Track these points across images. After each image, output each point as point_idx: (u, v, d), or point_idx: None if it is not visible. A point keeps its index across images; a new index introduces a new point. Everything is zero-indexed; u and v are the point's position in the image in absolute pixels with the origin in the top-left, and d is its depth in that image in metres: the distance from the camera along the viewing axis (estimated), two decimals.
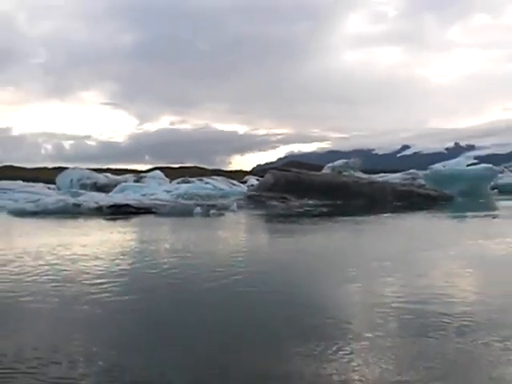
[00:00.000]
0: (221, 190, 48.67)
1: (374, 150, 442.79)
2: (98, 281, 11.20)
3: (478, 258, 14.37)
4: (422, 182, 49.61)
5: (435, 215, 28.38)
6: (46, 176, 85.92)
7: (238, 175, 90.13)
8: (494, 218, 27.64)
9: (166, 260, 14.39)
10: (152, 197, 39.26)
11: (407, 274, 11.97)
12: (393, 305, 9.01)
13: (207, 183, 52.16)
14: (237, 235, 21.89)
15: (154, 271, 12.58)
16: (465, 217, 27.46)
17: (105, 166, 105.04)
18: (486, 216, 27.73)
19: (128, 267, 13.16)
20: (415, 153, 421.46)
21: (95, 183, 54.74)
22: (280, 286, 10.97)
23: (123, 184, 50.29)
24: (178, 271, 12.53)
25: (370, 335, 7.38)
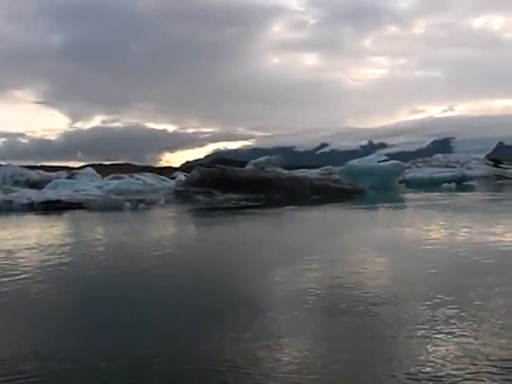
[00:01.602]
0: (151, 185, 47.95)
1: (294, 147, 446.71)
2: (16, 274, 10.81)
3: (386, 243, 14.75)
4: (338, 177, 50.13)
5: (348, 207, 28.74)
6: None
7: (168, 171, 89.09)
8: (400, 208, 28.22)
9: (84, 253, 14.15)
10: (83, 192, 38.33)
11: (322, 258, 12.04)
12: (304, 286, 9.00)
13: (138, 179, 51.31)
14: (160, 228, 21.78)
15: (74, 264, 12.26)
16: (375, 208, 27.90)
17: (38, 164, 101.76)
18: (393, 207, 28.26)
19: (44, 261, 12.73)
20: (332, 150, 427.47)
21: (28, 180, 52.89)
22: (197, 274, 10.86)
23: (55, 180, 48.82)
24: (95, 263, 12.44)
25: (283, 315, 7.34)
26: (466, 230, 17.04)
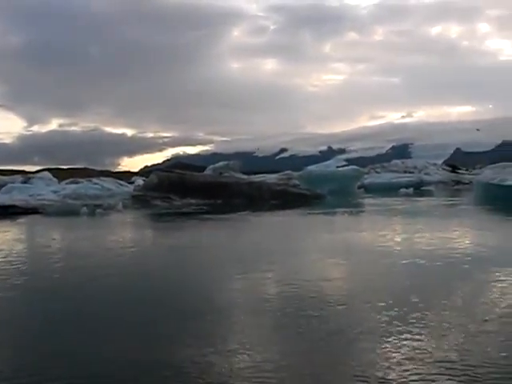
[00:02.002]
0: (108, 190, 47.37)
1: (254, 152, 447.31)
2: None
3: (340, 248, 14.91)
4: (297, 182, 50.32)
5: (306, 212, 28.87)
6: None
7: (126, 176, 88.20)
8: (357, 213, 28.44)
9: (32, 259, 14.27)
10: (39, 197, 37.74)
11: (274, 263, 12.06)
12: (255, 291, 9.06)
13: (95, 184, 50.70)
14: (114, 233, 21.60)
15: (22, 270, 12.10)
16: (332, 213, 28.05)
17: None
18: (350, 212, 28.47)
19: None
20: (292, 155, 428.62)
21: None
22: (146, 281, 10.83)
23: (10, 185, 47.91)
24: (41, 270, 12.32)
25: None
26: (419, 234, 17.41)
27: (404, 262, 12.04)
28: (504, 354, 6.04)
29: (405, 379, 5.44)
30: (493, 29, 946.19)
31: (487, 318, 7.37)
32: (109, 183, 52.50)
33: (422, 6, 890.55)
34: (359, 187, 52.94)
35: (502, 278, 9.84)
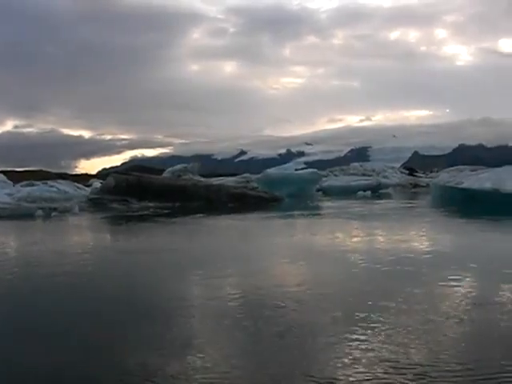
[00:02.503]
0: (65, 192, 46.79)
1: (213, 155, 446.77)
2: None
3: (298, 249, 15.10)
4: (255, 184, 50.47)
5: (263, 215, 28.88)
6: None
7: (84, 179, 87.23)
8: (313, 216, 28.64)
9: None
10: None
11: (228, 266, 12.10)
12: (207, 294, 9.10)
13: (52, 186, 50.03)
14: (68, 236, 21.41)
15: None
16: (289, 216, 28.23)
17: None
18: (307, 215, 28.65)
19: None
20: (251, 158, 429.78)
21: None
22: (96, 285, 10.82)
23: None
24: None
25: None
26: (375, 237, 17.76)
27: (359, 264, 12.20)
28: (447, 352, 6.23)
29: (353, 378, 5.56)
30: (450, 34, 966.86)
31: (432, 318, 7.56)
32: (65, 186, 51.80)
33: (381, 11, 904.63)
34: (318, 190, 53.29)
35: (454, 279, 10.03)
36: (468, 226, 21.20)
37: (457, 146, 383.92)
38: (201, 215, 28.14)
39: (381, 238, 17.35)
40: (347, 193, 51.40)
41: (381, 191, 56.98)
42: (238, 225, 24.66)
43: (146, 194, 38.60)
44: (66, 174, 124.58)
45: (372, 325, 7.26)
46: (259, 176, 54.07)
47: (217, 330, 7.44)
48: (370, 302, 8.42)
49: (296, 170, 54.85)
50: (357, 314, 7.76)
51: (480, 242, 16.44)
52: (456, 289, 9.42)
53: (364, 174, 73.42)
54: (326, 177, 65.55)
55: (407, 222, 24.06)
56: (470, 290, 9.53)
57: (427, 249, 14.46)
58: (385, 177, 74.52)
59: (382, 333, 6.93)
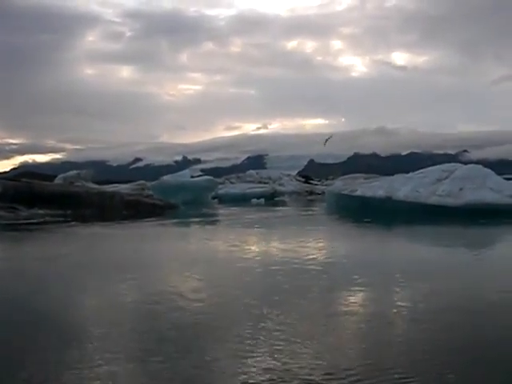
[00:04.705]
0: None
1: (108, 161, 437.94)
2: None
3: (187, 257, 15.57)
4: (150, 192, 50.33)
5: (156, 222, 28.86)
6: None
7: None
8: (208, 223, 29.13)
9: None
10: None
11: (118, 276, 12.32)
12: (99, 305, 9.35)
13: None
14: None
15: None
16: (184, 223, 28.51)
17: None
18: (202, 222, 29.08)
19: None
20: (147, 165, 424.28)
21: None
22: None
23: None
24: None
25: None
26: (263, 244, 18.90)
27: (251, 271, 12.70)
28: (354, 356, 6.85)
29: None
30: (345, 46, 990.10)
31: (327, 324, 8.11)
32: None
33: (279, 21, 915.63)
34: (213, 197, 53.78)
35: (347, 285, 10.73)
36: (357, 232, 22.25)
37: (352, 154, 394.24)
38: (93, 223, 27.84)
39: (274, 246, 18.03)
40: (242, 200, 52.16)
41: (276, 198, 58.16)
42: (131, 234, 24.45)
43: (36, 201, 37.66)
44: None
45: (267, 331, 7.72)
46: (154, 183, 53.96)
47: (119, 340, 7.67)
48: (265, 309, 8.86)
49: (192, 177, 54.99)
50: (256, 323, 8.24)
51: (366, 249, 17.36)
52: (334, 296, 10.04)
53: (260, 182, 74.64)
54: (222, 184, 66.19)
55: (294, 230, 24.77)
56: (350, 299, 9.90)
57: (306, 257, 14.65)
58: (281, 184, 76.03)
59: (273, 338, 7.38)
